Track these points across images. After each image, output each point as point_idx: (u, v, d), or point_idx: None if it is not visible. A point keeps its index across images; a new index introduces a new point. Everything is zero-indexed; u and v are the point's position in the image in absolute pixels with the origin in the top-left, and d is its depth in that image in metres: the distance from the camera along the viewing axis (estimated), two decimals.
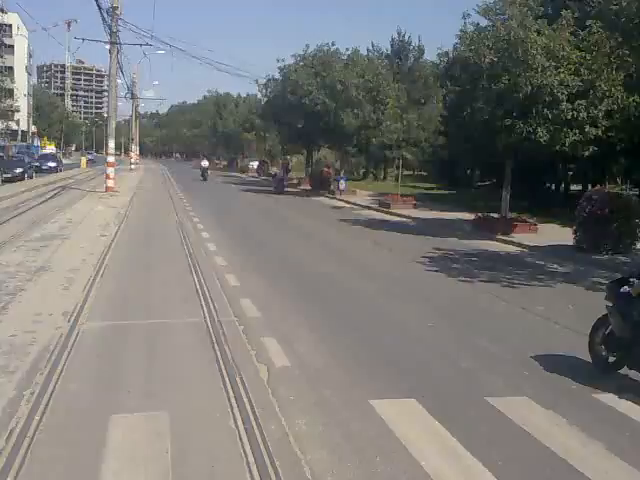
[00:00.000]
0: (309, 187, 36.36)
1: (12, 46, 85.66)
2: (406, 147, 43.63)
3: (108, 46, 25.84)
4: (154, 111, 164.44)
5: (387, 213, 22.71)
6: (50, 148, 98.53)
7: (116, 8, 25.13)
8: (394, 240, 15.63)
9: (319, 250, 13.55)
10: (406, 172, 52.63)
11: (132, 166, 52.07)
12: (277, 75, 36.54)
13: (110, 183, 26.28)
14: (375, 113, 30.38)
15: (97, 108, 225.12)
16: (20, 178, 31.36)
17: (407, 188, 36.72)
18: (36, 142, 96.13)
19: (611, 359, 5.65)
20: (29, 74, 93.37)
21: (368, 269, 11.14)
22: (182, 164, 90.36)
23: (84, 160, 51.97)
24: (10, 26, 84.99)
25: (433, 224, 19.20)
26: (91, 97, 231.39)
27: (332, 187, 32.98)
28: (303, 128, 35.38)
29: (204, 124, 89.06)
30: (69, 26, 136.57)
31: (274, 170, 40.68)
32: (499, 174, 34.38)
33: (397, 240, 15.70)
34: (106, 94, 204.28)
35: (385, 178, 47.02)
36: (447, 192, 33.47)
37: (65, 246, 11.94)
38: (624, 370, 5.54)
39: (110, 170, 26.24)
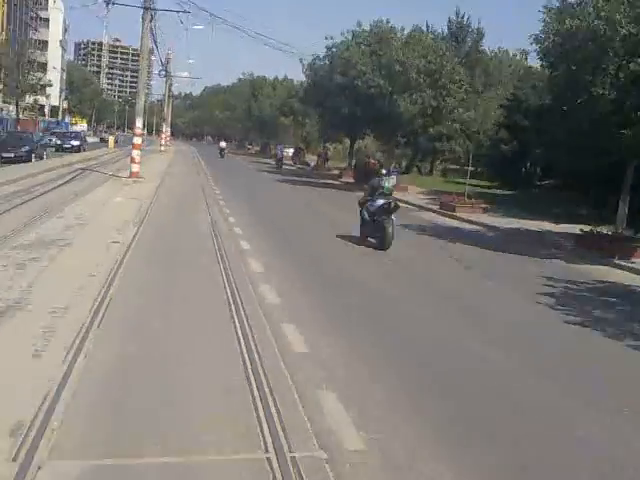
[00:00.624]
0: (352, 180, 33.06)
1: (47, 20, 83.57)
2: (457, 140, 40.04)
3: (141, 13, 22.71)
4: (187, 92, 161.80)
5: (453, 218, 19.28)
6: (81, 125, 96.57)
7: None
8: (483, 260, 12.29)
9: (392, 272, 10.31)
10: (453, 166, 49.09)
11: (162, 148, 49.29)
12: (323, 54, 33.40)
13: (135, 168, 23.28)
14: (436, 99, 26.89)
15: (132, 87, 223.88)
16: (26, 159, 27.24)
17: (458, 185, 33.24)
18: (67, 119, 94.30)
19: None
20: (64, 49, 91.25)
21: (475, 313, 7.85)
22: (213, 147, 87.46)
23: (112, 139, 49.14)
24: None
25: (518, 237, 15.78)
26: (126, 76, 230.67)
27: None
28: (349, 114, 32.19)
29: (238, 107, 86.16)
30: (107, 5, 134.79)
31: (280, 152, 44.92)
32: (565, 173, 30.81)
33: (487, 260, 12.35)
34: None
35: (432, 172, 43.37)
36: (507, 192, 29.74)
37: (61, 259, 8.84)
38: None
39: (136, 153, 23.23)
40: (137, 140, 23.41)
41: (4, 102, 58.22)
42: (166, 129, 55.52)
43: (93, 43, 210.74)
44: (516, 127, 33.68)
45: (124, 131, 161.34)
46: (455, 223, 18.25)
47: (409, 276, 10.22)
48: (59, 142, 39.92)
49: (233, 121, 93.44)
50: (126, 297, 7.08)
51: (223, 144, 58.58)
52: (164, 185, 21.84)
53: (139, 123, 23.61)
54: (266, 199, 21.79)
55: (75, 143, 41.35)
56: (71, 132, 48.11)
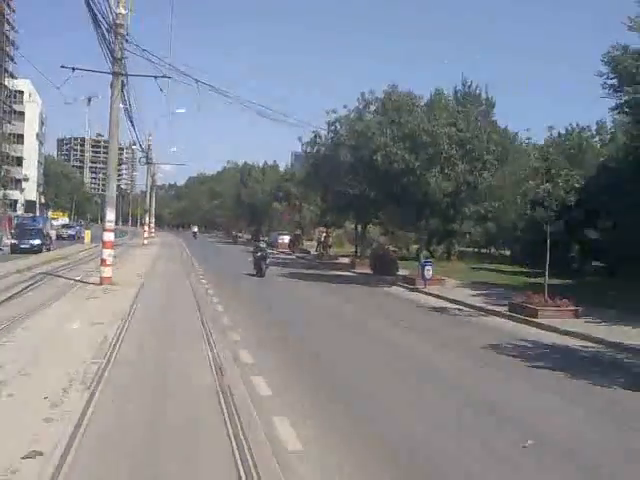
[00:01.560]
0: (370, 271, 28.13)
1: (23, 113, 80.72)
2: (476, 220, 35.77)
3: (110, 81, 18.22)
4: (172, 182, 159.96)
5: (540, 327, 14.06)
6: (63, 220, 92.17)
7: (120, 26, 17.60)
8: None
9: None
10: (467, 249, 44.50)
11: (145, 241, 44.35)
12: (325, 130, 29.42)
13: (106, 272, 18.12)
14: (472, 174, 22.42)
15: (117, 181, 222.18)
16: None
17: (490, 273, 28.40)
18: (46, 213, 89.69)
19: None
20: (41, 142, 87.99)
21: None
22: (202, 237, 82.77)
23: (88, 234, 43.69)
24: (21, 92, 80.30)
25: None
26: None
27: (399, 272, 25.13)
28: (359, 195, 27.87)
29: (225, 194, 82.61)
30: (89, 101, 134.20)
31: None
32: (620, 257, 26.05)
33: None
34: (125, 166, 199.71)
35: (449, 257, 38.53)
36: (557, 281, 24.61)
37: None
38: None
39: (107, 253, 18.09)
40: (108, 236, 18.26)
41: None
42: (149, 220, 50.80)
43: (75, 139, 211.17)
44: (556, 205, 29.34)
45: (102, 222, 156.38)
46: (553, 337, 12.98)
47: None
48: (14, 241, 32.41)
49: (220, 209, 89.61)
50: None
51: (195, 229, 78.90)
52: (144, 294, 16.62)
53: (110, 215, 18.51)
54: (290, 309, 16.52)
55: (35, 242, 32.57)
56: (31, 228, 38.86)
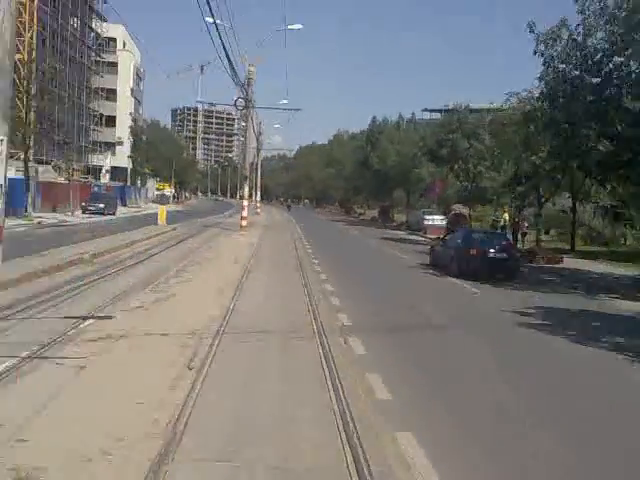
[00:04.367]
0: None
1: (115, 64, 69.46)
2: None
3: None
4: (282, 153, 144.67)
5: None
6: (168, 191, 79.81)
7: None
8: None
9: None
10: None
11: (244, 222, 30.26)
12: None
13: None
14: None
15: (227, 151, 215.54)
16: None
17: None
18: (150, 183, 78.88)
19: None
20: (137, 100, 76.49)
21: None
22: (314, 213, 68.59)
23: (162, 212, 29.58)
24: (114, 40, 68.97)
25: None
26: (221, 140, 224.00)
27: None
28: None
29: (345, 161, 67.99)
30: (202, 69, 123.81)
31: None
32: None
33: None
34: (236, 138, 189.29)
35: None
36: None
37: None
38: None
39: None
40: None
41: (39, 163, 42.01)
42: (254, 193, 36.55)
43: (188, 109, 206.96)
44: None
45: (211, 194, 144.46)
46: None
47: None
48: None
49: (338, 179, 75.04)
50: None
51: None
52: None
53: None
54: None
55: None
56: None
